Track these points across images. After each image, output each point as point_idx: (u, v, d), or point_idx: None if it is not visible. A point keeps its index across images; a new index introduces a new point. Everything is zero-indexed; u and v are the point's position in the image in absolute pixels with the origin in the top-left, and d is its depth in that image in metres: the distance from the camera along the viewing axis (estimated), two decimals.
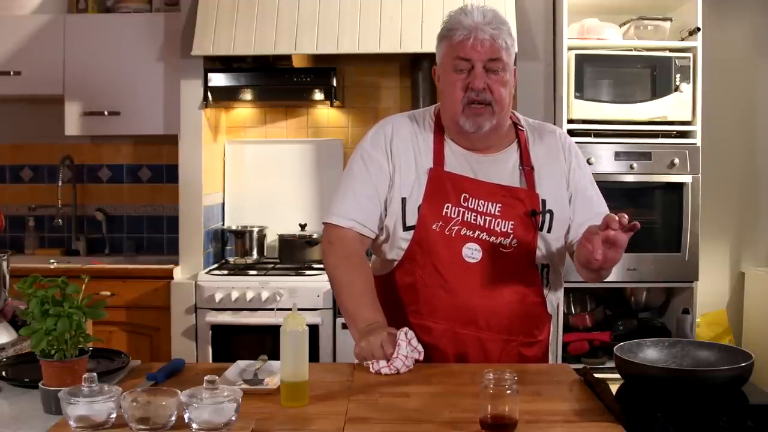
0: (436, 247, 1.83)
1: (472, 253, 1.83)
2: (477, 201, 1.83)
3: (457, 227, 1.82)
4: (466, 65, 1.81)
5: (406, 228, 1.84)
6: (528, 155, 1.91)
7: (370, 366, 1.83)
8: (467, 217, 1.82)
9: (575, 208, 1.93)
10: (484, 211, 1.83)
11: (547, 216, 1.87)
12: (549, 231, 1.88)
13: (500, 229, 1.83)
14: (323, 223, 1.97)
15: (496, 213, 1.83)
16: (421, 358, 1.83)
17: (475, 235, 1.83)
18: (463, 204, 1.83)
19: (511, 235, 1.84)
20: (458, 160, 1.88)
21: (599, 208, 1.94)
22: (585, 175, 1.98)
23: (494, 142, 1.90)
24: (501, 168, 1.89)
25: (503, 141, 1.93)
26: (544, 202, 1.87)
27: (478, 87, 1.79)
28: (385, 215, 1.90)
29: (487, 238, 1.83)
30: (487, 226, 1.83)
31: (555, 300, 1.99)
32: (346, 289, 1.88)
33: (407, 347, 1.79)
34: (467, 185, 1.84)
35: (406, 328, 1.82)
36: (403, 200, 1.85)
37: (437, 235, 1.83)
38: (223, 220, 4.11)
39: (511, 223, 1.84)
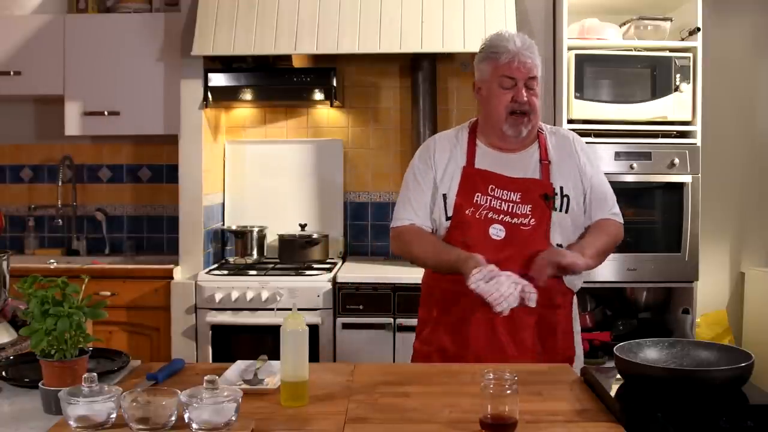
0: (468, 228, 2.19)
1: (497, 232, 2.18)
2: (501, 191, 2.20)
3: (485, 212, 2.19)
4: (511, 83, 2.19)
5: (447, 218, 2.23)
6: (546, 152, 2.27)
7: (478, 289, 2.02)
8: (493, 204, 2.20)
9: (592, 205, 2.29)
10: (508, 198, 2.20)
11: (564, 200, 2.22)
12: (566, 212, 2.22)
13: (520, 212, 2.19)
14: (391, 229, 2.35)
15: (517, 200, 2.19)
16: (528, 295, 2.04)
17: (500, 218, 2.19)
18: (490, 193, 2.20)
19: (530, 216, 2.18)
20: (488, 159, 2.26)
21: (614, 208, 2.33)
22: (597, 172, 2.33)
23: (524, 143, 2.28)
24: (525, 163, 2.25)
25: (527, 141, 2.29)
26: (561, 188, 2.22)
27: (522, 100, 2.18)
28: (433, 212, 2.27)
29: (510, 220, 2.19)
30: (509, 210, 2.19)
31: (571, 277, 2.24)
32: (430, 255, 2.24)
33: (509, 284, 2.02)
34: (493, 178, 2.22)
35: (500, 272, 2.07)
36: (444, 196, 2.23)
37: (469, 219, 2.20)
38: (223, 220, 4.11)
39: (529, 206, 2.19)
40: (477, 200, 2.20)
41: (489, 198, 2.20)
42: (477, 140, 2.30)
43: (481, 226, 2.18)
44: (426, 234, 2.28)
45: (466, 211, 2.20)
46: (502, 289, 1.99)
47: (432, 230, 2.30)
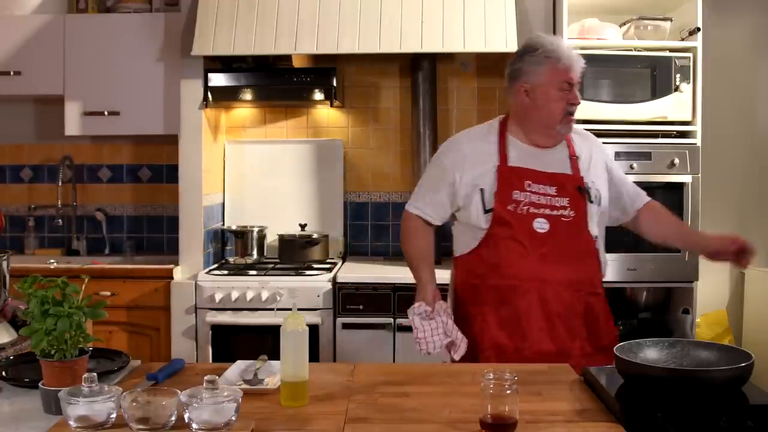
0: (512, 223, 2.27)
1: (541, 225, 2.27)
2: (538, 185, 2.29)
3: (525, 207, 2.27)
4: (568, 86, 2.30)
5: (486, 211, 2.29)
6: (573, 149, 2.39)
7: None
8: (532, 199, 2.28)
9: (628, 196, 2.48)
10: (545, 192, 2.29)
11: (597, 192, 2.34)
12: (599, 204, 2.34)
13: (559, 204, 2.29)
14: (405, 208, 2.48)
15: (554, 193, 2.29)
16: (456, 347, 2.25)
17: (541, 212, 2.28)
18: (527, 189, 2.28)
19: (568, 208, 2.29)
20: (521, 155, 2.34)
21: (644, 196, 2.53)
22: (618, 168, 2.52)
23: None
24: (556, 158, 2.36)
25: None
26: (593, 183, 2.34)
27: (577, 103, 2.32)
28: (461, 205, 2.35)
29: (550, 213, 2.28)
30: (548, 203, 2.28)
31: (604, 263, 2.39)
32: (413, 259, 2.45)
33: (433, 327, 2.24)
34: (528, 174, 2.30)
35: (440, 303, 2.31)
36: (482, 191, 2.30)
37: (511, 215, 2.27)
38: (223, 220, 4.11)
39: (566, 199, 2.29)
40: (516, 197, 2.27)
41: (527, 193, 2.28)
42: (509, 136, 2.37)
43: (524, 221, 2.27)
44: (424, 235, 2.45)
45: (508, 207, 2.27)
46: (429, 333, 2.21)
47: (441, 221, 2.45)
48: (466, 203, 2.33)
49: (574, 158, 2.36)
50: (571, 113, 2.32)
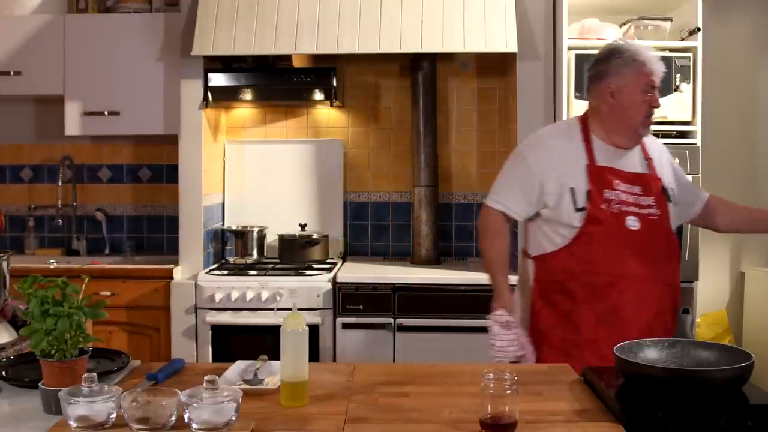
0: (606, 221, 2.32)
1: (633, 223, 2.32)
2: (625, 185, 2.35)
3: (617, 205, 2.32)
4: (651, 90, 2.36)
5: (578, 209, 2.33)
6: (647, 151, 2.46)
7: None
8: (622, 197, 2.34)
9: (692, 193, 2.58)
10: (632, 192, 2.35)
11: (671, 192, 2.43)
12: (674, 203, 2.43)
13: (646, 203, 2.35)
14: (482, 203, 2.50)
15: (639, 192, 2.36)
16: (525, 360, 2.35)
17: (631, 210, 2.34)
18: (616, 188, 2.34)
19: (654, 206, 2.36)
20: (605, 155, 2.40)
21: (702, 191, 2.68)
22: (678, 166, 2.61)
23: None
24: (634, 159, 2.43)
25: None
26: (668, 183, 2.43)
27: (659, 106, 2.39)
28: (550, 204, 2.36)
29: (639, 211, 2.34)
30: (636, 202, 2.35)
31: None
32: (492, 259, 2.48)
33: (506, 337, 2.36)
34: (616, 174, 2.36)
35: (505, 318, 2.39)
36: (572, 189, 2.33)
37: (605, 213, 2.32)
38: (223, 220, 4.11)
39: (651, 198, 2.36)
40: (606, 195, 2.32)
41: (617, 192, 2.34)
42: (592, 136, 2.42)
43: (617, 220, 2.32)
44: (504, 235, 2.47)
45: (601, 206, 2.32)
46: (506, 344, 2.34)
47: (522, 218, 2.48)
48: (556, 202, 2.35)
49: (649, 160, 2.44)
50: (651, 116, 2.39)
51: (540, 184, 2.36)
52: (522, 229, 2.65)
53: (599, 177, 2.34)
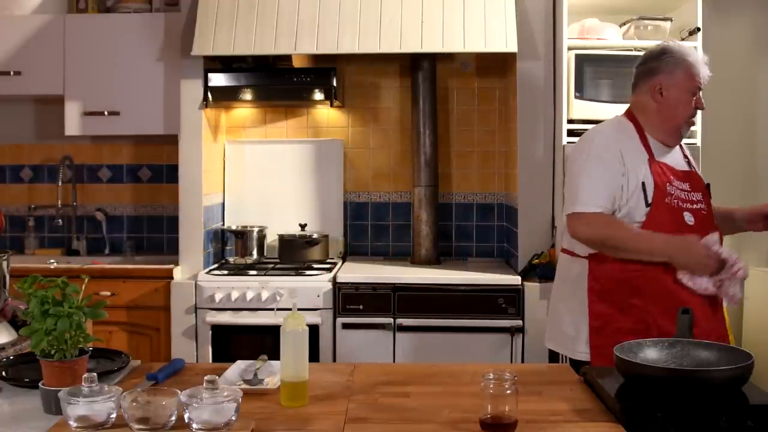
0: (670, 215, 2.36)
1: (689, 218, 2.37)
2: (677, 181, 2.41)
3: (675, 200, 2.38)
4: (697, 92, 2.45)
5: (647, 205, 2.35)
6: (684, 150, 2.56)
7: (689, 281, 2.28)
8: (678, 194, 2.39)
9: None
10: (684, 188, 2.41)
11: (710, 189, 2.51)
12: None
13: (695, 198, 2.42)
14: (571, 214, 2.38)
15: (689, 189, 2.42)
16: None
17: (686, 206, 2.39)
18: (673, 183, 2.40)
19: (702, 202, 2.43)
20: (657, 151, 2.45)
21: None
22: None
23: None
24: (678, 157, 2.51)
25: None
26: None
27: (702, 108, 2.50)
28: (626, 200, 2.36)
29: (692, 207, 2.40)
30: (688, 198, 2.40)
31: None
32: (634, 240, 2.33)
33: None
34: (670, 170, 2.42)
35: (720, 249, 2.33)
36: (643, 184, 2.36)
37: (668, 207, 2.37)
38: (223, 220, 4.11)
39: (699, 194, 2.44)
40: (668, 189, 2.37)
41: (674, 187, 2.39)
42: (646, 134, 2.47)
43: (678, 213, 2.37)
44: (621, 222, 2.37)
45: (666, 200, 2.36)
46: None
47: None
48: (631, 198, 2.36)
49: (688, 158, 2.53)
50: (694, 117, 2.48)
51: (623, 183, 2.36)
52: (563, 229, 2.59)
53: (661, 172, 2.39)
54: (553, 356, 2.61)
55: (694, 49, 2.49)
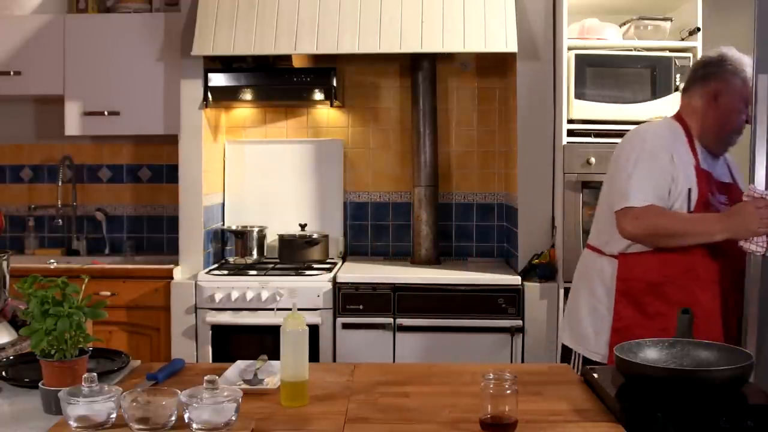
0: None
1: None
2: (718, 193, 2.38)
3: (714, 210, 2.33)
4: (747, 104, 2.41)
5: (689, 211, 2.32)
6: (728, 162, 2.53)
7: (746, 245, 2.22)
8: (717, 206, 2.35)
9: None
10: (722, 201, 2.38)
11: None
12: None
13: None
14: (620, 210, 2.31)
15: (726, 202, 2.37)
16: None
17: None
18: (715, 195, 2.36)
19: None
20: (705, 159, 2.42)
21: None
22: None
23: None
24: (723, 168, 2.49)
25: None
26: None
27: (751, 123, 2.43)
28: (672, 201, 2.33)
29: None
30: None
31: None
32: (689, 224, 2.31)
33: None
34: (713, 180, 2.39)
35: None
36: (689, 191, 2.32)
37: None
38: (223, 220, 4.11)
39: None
40: (710, 200, 2.35)
41: (715, 199, 2.36)
42: (694, 140, 2.44)
43: None
44: (668, 210, 2.33)
45: (710, 209, 2.34)
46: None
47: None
48: (676, 202, 2.33)
49: (730, 170, 2.51)
50: (743, 128, 2.46)
51: (671, 185, 2.33)
52: (595, 224, 2.55)
53: (705, 180, 2.35)
54: (565, 351, 2.56)
55: (750, 60, 2.48)
